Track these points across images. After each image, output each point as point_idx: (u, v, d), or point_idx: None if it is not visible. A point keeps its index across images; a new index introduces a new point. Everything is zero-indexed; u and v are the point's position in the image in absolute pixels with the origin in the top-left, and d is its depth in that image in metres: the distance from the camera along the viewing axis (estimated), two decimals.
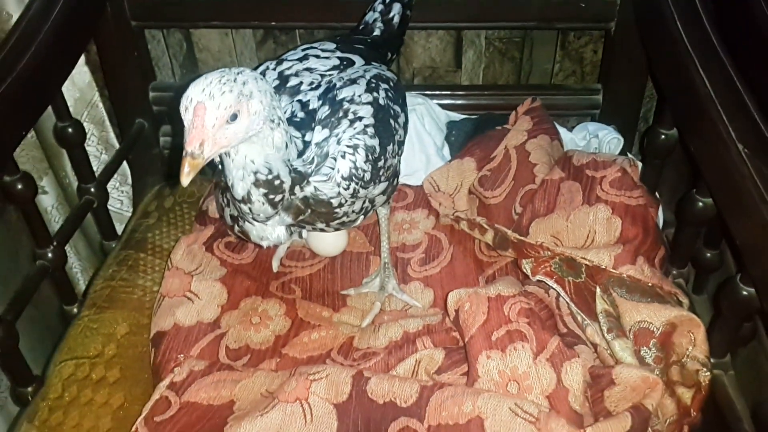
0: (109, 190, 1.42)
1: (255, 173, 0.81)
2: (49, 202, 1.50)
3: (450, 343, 0.96)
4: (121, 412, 0.97)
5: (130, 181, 1.52)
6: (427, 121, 1.31)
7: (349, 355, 0.99)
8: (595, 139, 1.30)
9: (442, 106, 1.36)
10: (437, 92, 1.39)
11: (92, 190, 1.23)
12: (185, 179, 0.71)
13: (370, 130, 0.90)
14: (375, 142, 0.91)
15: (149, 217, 1.31)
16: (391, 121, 0.96)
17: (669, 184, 1.24)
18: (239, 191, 0.83)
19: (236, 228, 0.93)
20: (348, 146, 0.88)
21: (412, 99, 1.30)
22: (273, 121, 0.78)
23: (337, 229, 0.99)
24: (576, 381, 0.83)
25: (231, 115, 0.72)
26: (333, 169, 0.88)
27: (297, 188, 0.86)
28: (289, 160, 0.84)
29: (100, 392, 0.99)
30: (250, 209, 0.85)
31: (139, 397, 0.98)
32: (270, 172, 0.82)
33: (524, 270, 1.01)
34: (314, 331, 1.03)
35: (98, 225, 1.30)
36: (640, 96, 1.35)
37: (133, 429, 0.90)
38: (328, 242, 1.13)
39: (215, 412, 0.91)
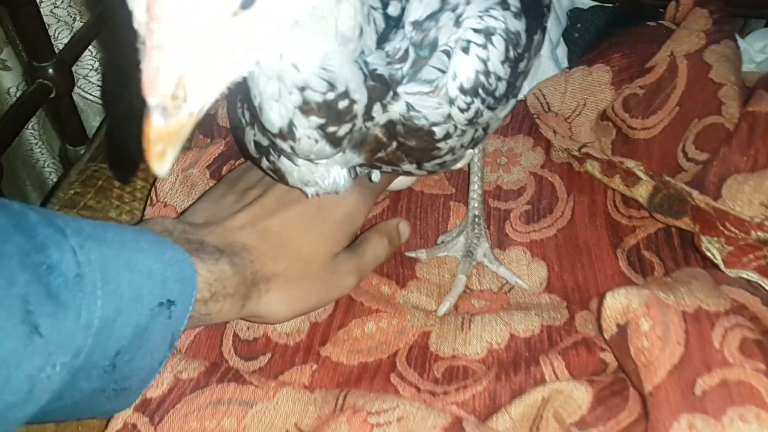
0: (84, 72, 1.03)
1: (302, 89, 0.44)
2: (10, 81, 1.11)
3: (596, 370, 0.60)
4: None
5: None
6: None
7: (427, 369, 0.63)
8: None
9: None
10: None
11: (50, 71, 0.84)
12: (159, 165, 0.34)
13: (515, 3, 0.51)
14: (520, 25, 0.51)
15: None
16: None
17: None
18: (274, 120, 0.46)
19: (265, 163, 0.55)
20: (476, 30, 0.49)
21: None
22: None
23: (430, 173, 0.61)
24: None
25: None
26: (444, 72, 0.49)
27: (377, 107, 0.48)
28: (362, 55, 0.45)
29: None
30: (292, 147, 0.47)
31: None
32: (331, 86, 0.44)
33: (708, 254, 0.64)
34: (369, 319, 0.67)
35: (57, 123, 0.92)
36: None
37: None
38: None
39: None
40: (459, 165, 0.63)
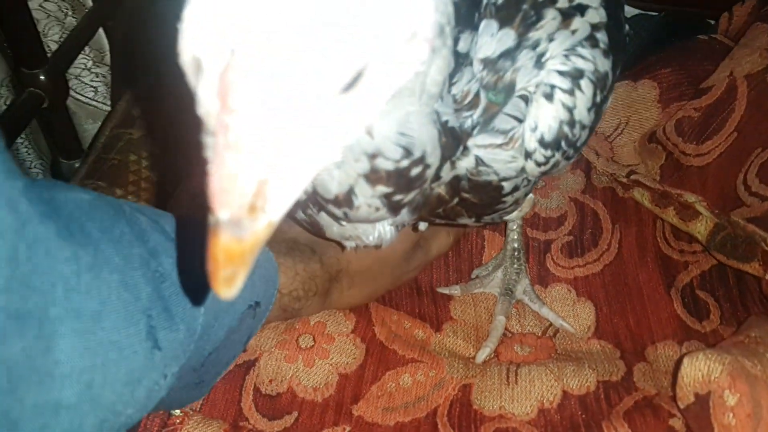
0: (76, 72, 0.95)
1: (372, 157, 0.37)
2: None
3: None
4: None
5: (108, 59, 1.04)
6: None
7: (474, 431, 0.56)
8: None
9: None
10: None
11: (41, 78, 0.76)
12: (227, 290, 0.27)
13: (603, 39, 0.44)
14: (609, 64, 0.44)
15: (133, 127, 0.84)
16: (622, 18, 0.49)
17: None
18: (331, 187, 0.39)
19: (300, 215, 0.48)
20: (561, 73, 0.42)
21: None
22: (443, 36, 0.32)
23: (484, 225, 0.54)
24: None
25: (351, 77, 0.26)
26: (521, 121, 0.42)
27: (446, 166, 0.41)
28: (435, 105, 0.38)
29: None
30: (345, 213, 0.40)
31: None
32: (407, 152, 0.37)
33: None
34: (404, 371, 0.61)
35: (50, 136, 0.83)
36: None
37: None
38: None
39: None
40: (516, 214, 0.57)
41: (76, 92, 1.05)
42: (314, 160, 0.28)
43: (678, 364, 0.51)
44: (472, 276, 0.70)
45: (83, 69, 1.04)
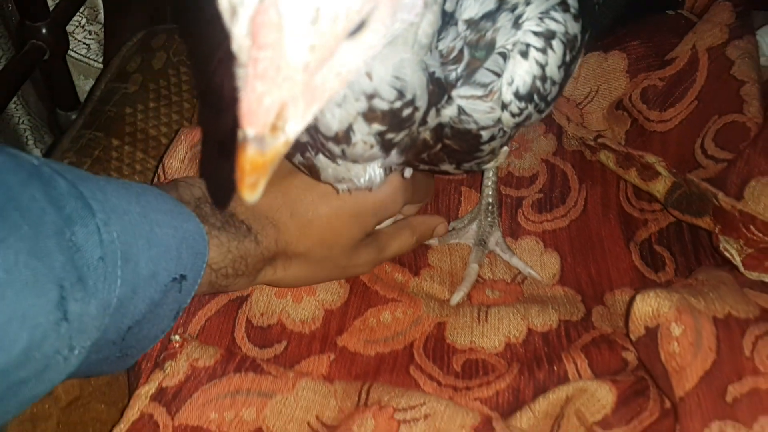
0: (71, 29, 0.98)
1: (370, 97, 0.42)
2: None
3: (618, 368, 0.60)
4: (72, 413, 0.60)
5: (101, 17, 1.07)
6: None
7: (446, 361, 0.62)
8: None
9: None
10: None
11: (43, 31, 0.79)
12: (251, 195, 0.33)
13: (574, 4, 0.49)
14: (578, 27, 0.49)
15: (128, 81, 0.87)
16: None
17: None
18: (332, 124, 0.44)
19: (298, 159, 0.53)
20: (536, 33, 0.47)
21: None
22: None
23: (466, 172, 0.59)
24: None
25: (358, 21, 0.32)
26: (499, 75, 0.48)
27: (432, 112, 0.46)
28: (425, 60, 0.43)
29: None
30: (343, 151, 0.45)
31: (101, 396, 0.61)
32: (401, 94, 0.42)
33: (726, 254, 0.64)
34: (385, 309, 0.66)
35: (50, 86, 0.87)
36: None
37: None
38: None
39: None
40: (492, 164, 0.62)
41: (69, 49, 1.08)
42: (325, 91, 0.33)
43: (631, 302, 0.57)
44: (449, 228, 0.75)
45: (77, 26, 1.07)
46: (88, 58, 1.11)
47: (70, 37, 1.07)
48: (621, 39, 0.83)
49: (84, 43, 1.10)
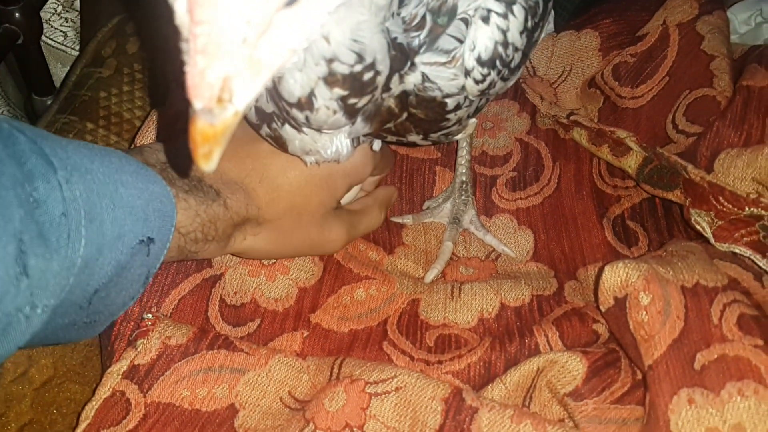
0: (46, 16, 0.98)
1: (330, 61, 0.42)
2: None
3: (589, 341, 0.60)
4: (45, 393, 0.60)
5: (77, 4, 1.06)
6: None
7: (419, 337, 0.63)
8: None
9: None
10: None
11: (17, 15, 0.79)
12: (206, 164, 0.34)
13: None
14: None
15: (103, 66, 0.87)
16: None
17: None
18: (294, 90, 0.44)
19: (265, 130, 0.53)
20: None
21: None
22: None
23: (434, 143, 0.59)
24: None
25: None
26: (462, 42, 0.48)
27: (395, 78, 0.46)
28: (385, 23, 0.44)
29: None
30: (307, 117, 0.46)
31: (75, 376, 0.61)
32: (360, 58, 0.43)
33: (698, 227, 0.65)
34: (359, 286, 0.66)
35: (24, 71, 0.86)
36: None
37: None
38: None
39: (204, 427, 0.55)
40: (461, 135, 0.62)
41: (46, 36, 1.07)
42: (271, 61, 0.34)
43: (600, 273, 0.57)
44: (424, 207, 0.76)
45: (53, 14, 1.06)
46: (65, 45, 1.10)
47: (47, 25, 1.07)
48: (593, 17, 0.83)
49: (61, 31, 1.09)
